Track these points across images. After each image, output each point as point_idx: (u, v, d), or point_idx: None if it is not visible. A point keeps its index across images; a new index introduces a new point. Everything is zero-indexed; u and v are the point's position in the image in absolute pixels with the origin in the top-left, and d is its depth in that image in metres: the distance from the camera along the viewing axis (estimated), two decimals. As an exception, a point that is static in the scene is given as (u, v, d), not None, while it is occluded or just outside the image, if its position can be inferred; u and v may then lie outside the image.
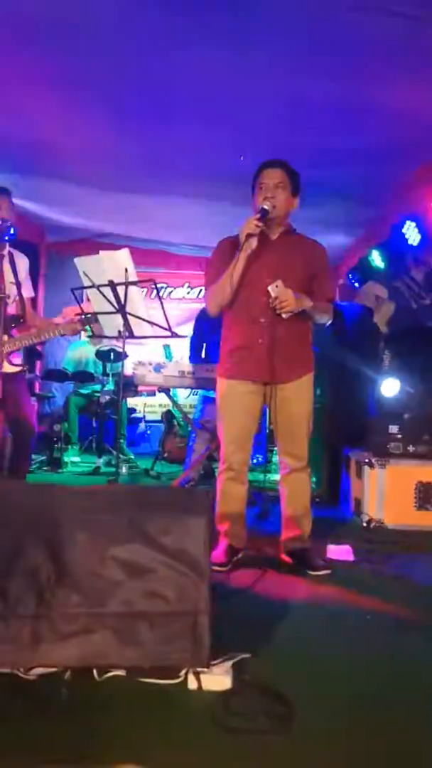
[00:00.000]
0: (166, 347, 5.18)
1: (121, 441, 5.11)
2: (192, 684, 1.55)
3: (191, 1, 2.47)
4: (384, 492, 3.32)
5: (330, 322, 2.67)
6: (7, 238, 2.63)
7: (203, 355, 4.35)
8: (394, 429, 3.47)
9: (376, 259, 5.18)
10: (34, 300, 3.14)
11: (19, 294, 2.93)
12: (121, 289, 2.62)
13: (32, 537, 1.56)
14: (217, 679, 1.55)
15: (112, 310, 2.68)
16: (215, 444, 3.78)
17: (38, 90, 3.26)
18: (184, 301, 7.39)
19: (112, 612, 1.49)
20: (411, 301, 4.99)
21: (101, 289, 2.66)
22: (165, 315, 2.69)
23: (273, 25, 2.55)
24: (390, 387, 3.63)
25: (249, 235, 2.38)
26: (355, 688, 1.63)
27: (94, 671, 1.56)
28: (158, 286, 2.86)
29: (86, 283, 2.70)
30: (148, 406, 6.83)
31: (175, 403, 4.26)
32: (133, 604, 1.51)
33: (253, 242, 2.41)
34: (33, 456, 4.40)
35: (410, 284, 4.87)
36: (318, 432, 2.67)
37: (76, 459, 5.41)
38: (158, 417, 6.51)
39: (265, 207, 2.40)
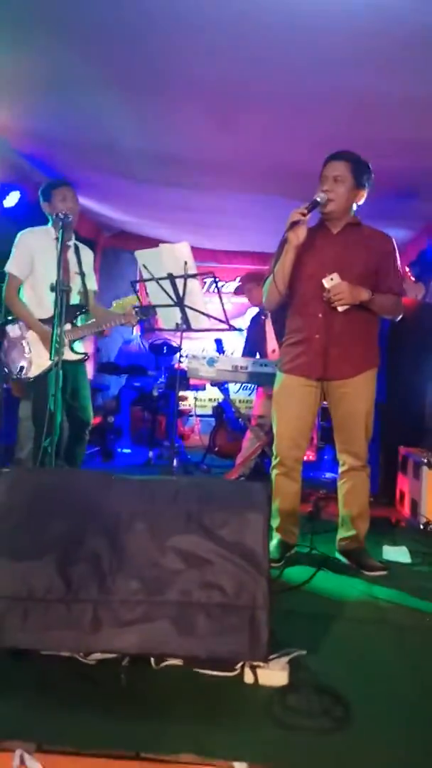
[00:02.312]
0: (218, 341, 5.19)
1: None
2: (248, 678, 1.54)
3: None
4: (442, 493, 3.22)
5: (400, 317, 2.59)
6: (73, 229, 2.67)
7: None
8: (453, 429, 3.35)
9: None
10: (95, 293, 3.20)
11: (83, 284, 2.99)
12: (180, 282, 2.63)
13: (93, 525, 1.59)
14: (274, 674, 1.54)
15: (171, 302, 2.70)
16: (268, 439, 3.76)
17: (95, 91, 3.30)
18: (234, 296, 7.38)
19: (170, 600, 1.50)
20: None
21: (160, 282, 2.67)
22: (223, 308, 2.68)
23: (337, 20, 2.48)
24: None
25: (294, 224, 2.34)
26: (411, 691, 1.59)
27: (152, 660, 1.58)
28: (216, 279, 2.86)
29: (145, 275, 2.72)
30: (199, 400, 6.86)
31: (227, 397, 4.25)
32: (192, 594, 1.51)
33: (300, 233, 2.35)
34: (86, 447, 4.51)
35: None
36: (374, 430, 2.61)
37: (128, 451, 5.50)
38: (208, 411, 6.53)
39: (317, 199, 2.36)
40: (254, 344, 4.36)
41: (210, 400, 6.81)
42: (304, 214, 2.33)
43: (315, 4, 2.41)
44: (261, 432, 3.90)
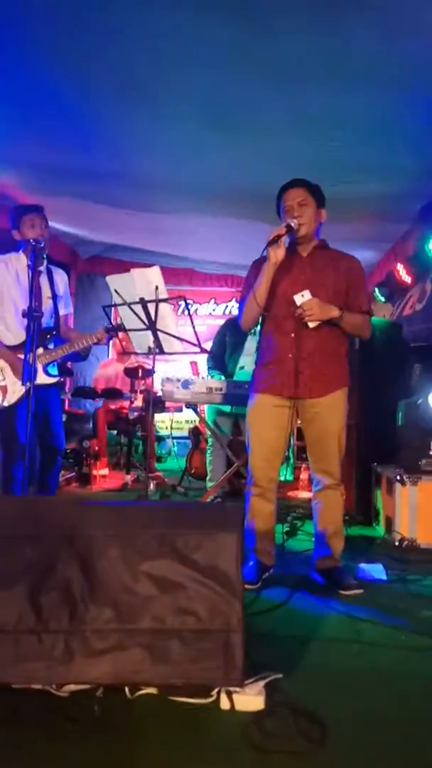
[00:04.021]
0: (193, 364, 5.21)
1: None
2: (224, 704, 1.53)
3: (215, 31, 2.52)
4: (416, 510, 3.26)
5: (368, 335, 2.65)
6: (44, 255, 2.69)
7: (222, 368, 4.29)
8: (426, 445, 3.40)
9: (403, 273, 5.14)
10: (69, 316, 3.20)
11: (55, 307, 3.00)
12: (151, 306, 2.65)
13: (64, 552, 1.57)
14: (250, 699, 1.53)
15: (143, 327, 2.72)
16: (242, 461, 3.77)
17: (70, 116, 3.35)
18: (210, 317, 7.46)
19: (144, 628, 1.49)
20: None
21: (132, 306, 2.69)
22: (195, 331, 2.71)
23: (303, 40, 2.58)
24: None
25: (273, 241, 2.38)
26: (389, 711, 1.59)
27: (126, 689, 1.55)
28: (186, 302, 2.89)
29: (117, 300, 2.75)
30: (175, 422, 6.86)
31: (202, 419, 4.26)
32: (165, 620, 1.50)
33: (280, 252, 2.40)
34: (62, 472, 4.45)
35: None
36: (347, 448, 2.64)
37: (105, 474, 5.44)
38: (185, 433, 6.53)
39: (291, 223, 2.41)
40: (221, 351, 4.26)
41: (186, 422, 6.81)
42: (281, 235, 2.38)
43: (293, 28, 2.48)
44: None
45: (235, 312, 7.17)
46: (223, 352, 4.28)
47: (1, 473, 2.89)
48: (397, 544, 3.21)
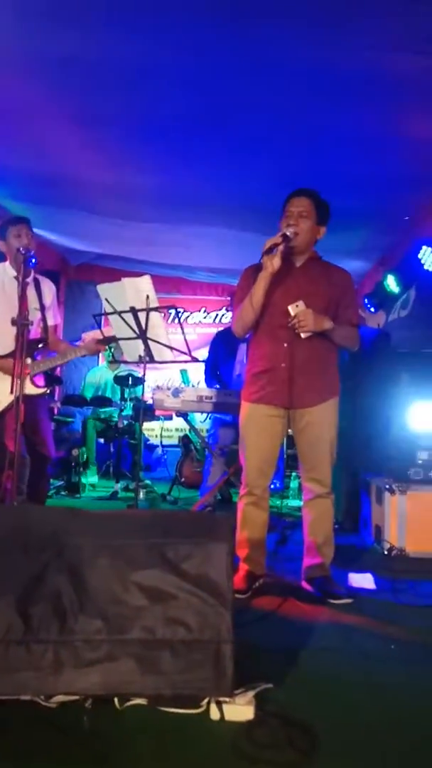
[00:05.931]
0: (183, 372, 5.22)
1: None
2: (214, 714, 1.52)
3: (204, 39, 2.56)
4: (405, 519, 3.27)
5: (357, 347, 2.67)
6: (33, 261, 2.69)
7: (217, 379, 4.37)
8: (414, 454, 3.42)
9: (392, 283, 5.18)
10: (57, 327, 3.20)
11: (43, 318, 3.00)
12: (142, 315, 2.66)
13: (54, 562, 1.57)
14: (240, 709, 1.52)
15: (133, 335, 2.72)
16: (233, 469, 3.78)
17: (59, 126, 3.37)
18: (200, 326, 7.47)
19: (134, 639, 1.48)
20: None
21: (123, 315, 2.70)
22: (185, 340, 2.72)
23: (294, 58, 2.62)
24: None
25: (266, 252, 2.38)
26: (379, 720, 1.59)
27: (116, 700, 1.54)
28: (177, 311, 2.90)
29: (108, 309, 2.75)
30: (165, 431, 6.84)
31: (192, 427, 4.26)
32: (155, 630, 1.49)
33: (275, 262, 2.41)
34: (51, 480, 4.43)
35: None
36: (337, 457, 2.66)
37: (94, 483, 5.42)
38: (175, 441, 6.51)
39: (287, 233, 2.43)
40: (216, 358, 4.35)
41: (176, 430, 6.80)
42: (277, 244, 2.39)
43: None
44: (223, 460, 3.92)
45: (225, 320, 7.20)
46: (216, 365, 4.35)
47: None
48: (386, 553, 3.22)
